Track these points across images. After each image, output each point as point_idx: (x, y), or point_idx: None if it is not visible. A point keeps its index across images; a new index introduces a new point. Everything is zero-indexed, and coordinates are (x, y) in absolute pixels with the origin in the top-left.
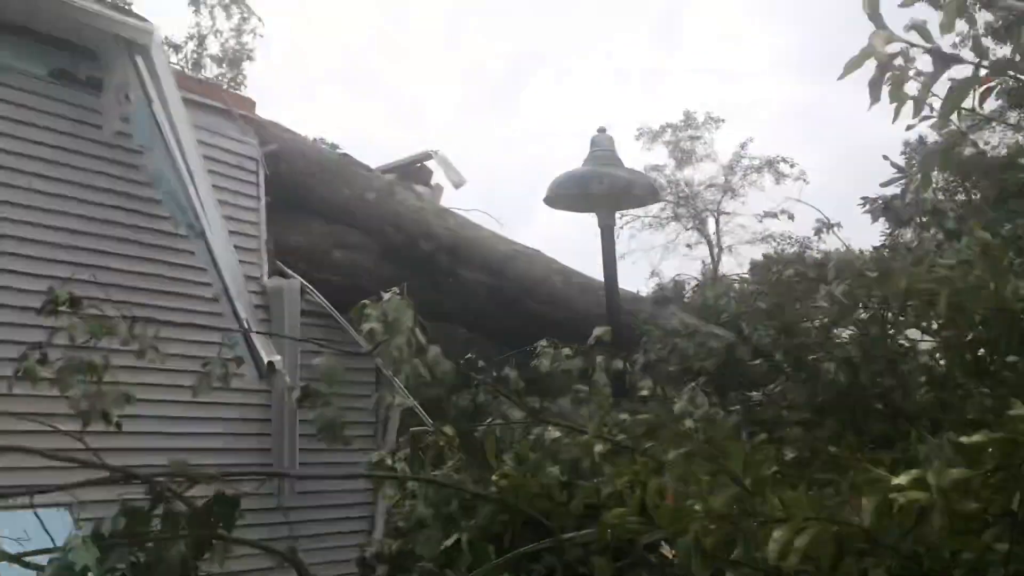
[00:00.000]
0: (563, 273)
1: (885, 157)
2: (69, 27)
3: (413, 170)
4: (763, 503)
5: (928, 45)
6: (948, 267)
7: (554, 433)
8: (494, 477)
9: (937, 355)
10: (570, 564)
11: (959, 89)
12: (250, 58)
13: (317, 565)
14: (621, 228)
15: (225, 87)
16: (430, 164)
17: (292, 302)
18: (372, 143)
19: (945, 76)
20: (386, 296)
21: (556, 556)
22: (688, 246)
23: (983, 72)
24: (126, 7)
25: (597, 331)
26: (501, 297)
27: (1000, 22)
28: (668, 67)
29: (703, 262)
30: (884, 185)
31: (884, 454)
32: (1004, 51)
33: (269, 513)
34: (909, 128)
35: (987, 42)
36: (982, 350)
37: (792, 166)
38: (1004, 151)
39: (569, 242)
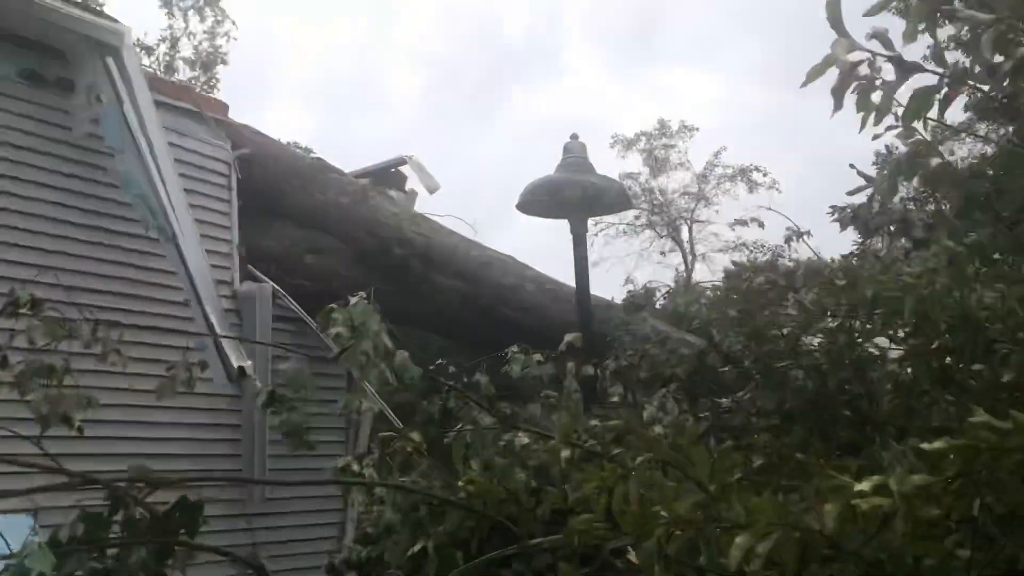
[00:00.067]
0: (537, 280)
1: (852, 166)
2: (38, 27)
3: (387, 175)
4: (728, 509)
5: (889, 53)
6: (914, 275)
7: (524, 439)
8: (460, 483)
9: (904, 363)
10: (539, 570)
11: (920, 97)
12: (223, 62)
13: (287, 572)
14: (595, 235)
15: (198, 90)
16: (404, 169)
17: (264, 307)
18: (346, 147)
19: (914, 86)
20: (353, 300)
21: (524, 562)
22: (662, 253)
23: (946, 82)
24: (97, 8)
25: (568, 337)
26: (475, 303)
27: (967, 33)
28: (643, 75)
29: (677, 270)
30: (850, 194)
31: (851, 461)
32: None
33: (241, 519)
34: (875, 138)
35: (957, 54)
36: (948, 358)
37: (765, 175)
38: (972, 162)
39: (545, 249)
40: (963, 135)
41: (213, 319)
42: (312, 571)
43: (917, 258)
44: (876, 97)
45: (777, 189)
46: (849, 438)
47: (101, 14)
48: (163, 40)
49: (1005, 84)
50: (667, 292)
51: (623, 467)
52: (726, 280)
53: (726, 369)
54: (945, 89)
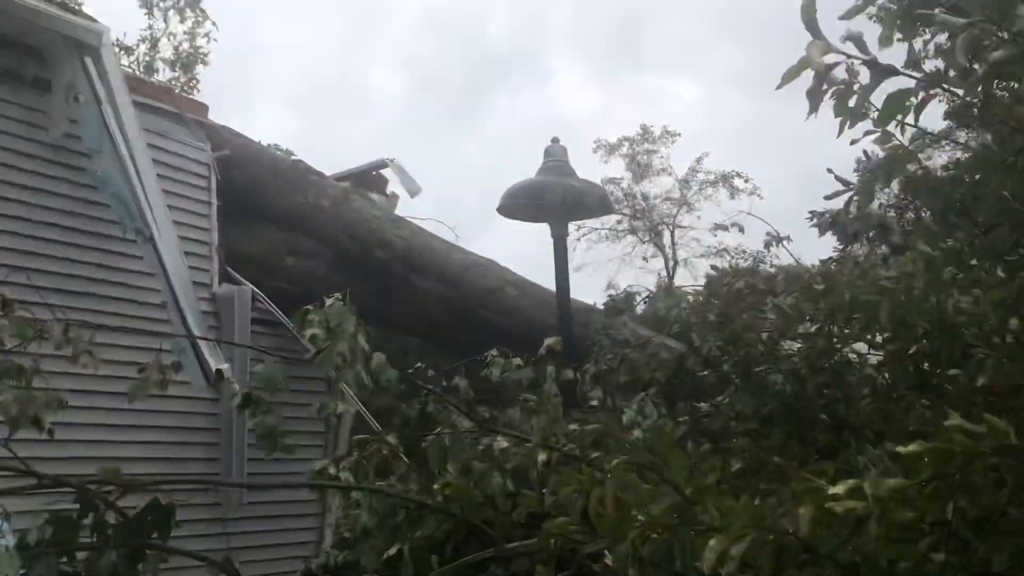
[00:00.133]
0: (518, 284)
1: (829, 170)
2: (15, 26)
3: (369, 178)
4: (703, 512)
5: (864, 56)
6: (891, 280)
7: (502, 443)
8: (436, 486)
9: (881, 368)
10: (516, 574)
11: (894, 100)
12: (204, 62)
13: None
14: (578, 240)
15: (178, 91)
16: (386, 172)
17: (243, 309)
18: (328, 150)
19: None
20: (328, 302)
21: (502, 566)
22: (644, 259)
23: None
24: (76, 7)
25: (548, 341)
26: (455, 307)
27: (946, 38)
28: (626, 81)
29: (659, 275)
30: (828, 198)
31: (828, 464)
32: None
33: (220, 523)
34: (853, 143)
35: (938, 63)
36: (925, 363)
37: (747, 181)
38: (951, 170)
39: (527, 254)
40: (943, 142)
41: (191, 321)
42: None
43: (895, 263)
44: (854, 102)
45: (759, 195)
46: (827, 442)
47: (79, 13)
48: (143, 40)
49: (979, 89)
50: (648, 296)
51: (601, 471)
52: (707, 285)
53: (705, 373)
54: (922, 94)
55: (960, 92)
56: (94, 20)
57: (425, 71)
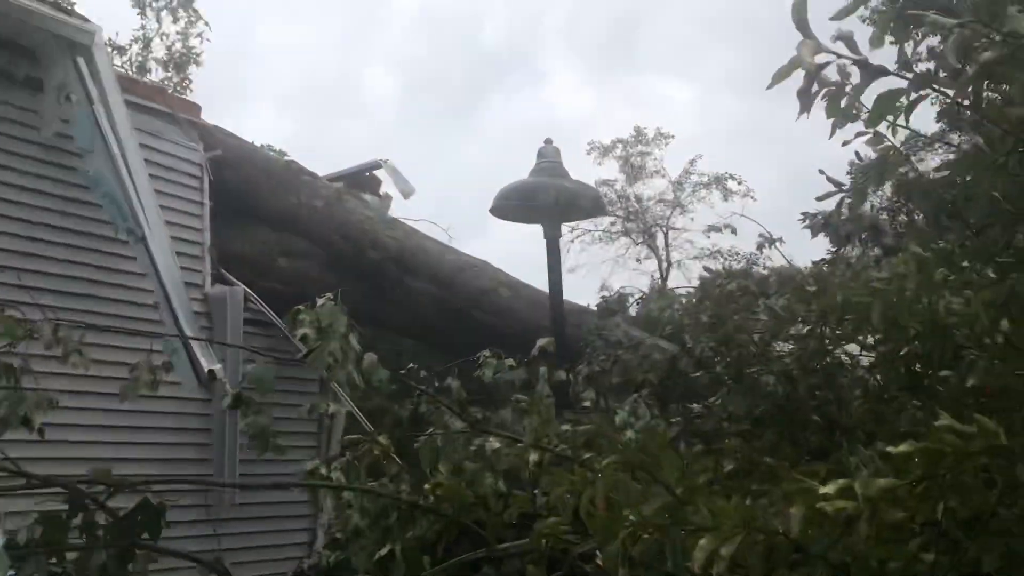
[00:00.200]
0: (511, 285)
1: (821, 172)
2: (8, 25)
3: (362, 179)
4: (694, 512)
5: (855, 56)
6: (883, 282)
7: (494, 444)
8: (427, 487)
9: (873, 369)
10: (508, 575)
11: (884, 100)
12: (196, 63)
13: None
14: (571, 242)
15: (170, 91)
16: (379, 173)
17: (235, 310)
18: (321, 151)
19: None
20: (320, 302)
21: (493, 566)
22: (638, 260)
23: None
24: (68, 7)
25: (541, 342)
26: (448, 308)
27: (938, 41)
28: (620, 83)
29: (652, 276)
30: (820, 199)
31: (819, 465)
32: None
33: (212, 524)
34: (845, 144)
35: (931, 65)
36: (916, 364)
37: (740, 183)
38: (944, 172)
39: (522, 256)
40: (935, 145)
41: (183, 321)
42: None
43: (887, 265)
44: (845, 103)
45: (752, 197)
46: (819, 443)
47: (72, 13)
48: (135, 40)
49: (969, 90)
50: (641, 298)
51: (592, 471)
52: (699, 287)
53: (698, 374)
54: (913, 94)
55: (951, 93)
56: (86, 20)
57: (421, 71)
